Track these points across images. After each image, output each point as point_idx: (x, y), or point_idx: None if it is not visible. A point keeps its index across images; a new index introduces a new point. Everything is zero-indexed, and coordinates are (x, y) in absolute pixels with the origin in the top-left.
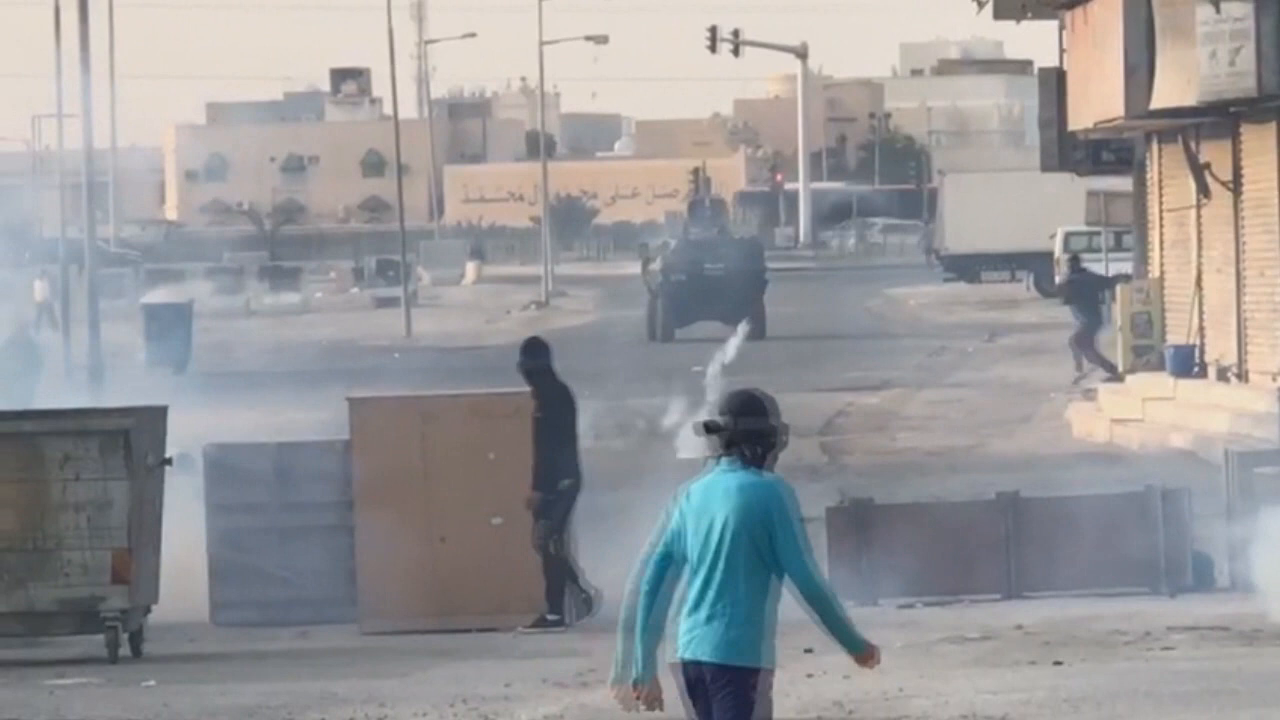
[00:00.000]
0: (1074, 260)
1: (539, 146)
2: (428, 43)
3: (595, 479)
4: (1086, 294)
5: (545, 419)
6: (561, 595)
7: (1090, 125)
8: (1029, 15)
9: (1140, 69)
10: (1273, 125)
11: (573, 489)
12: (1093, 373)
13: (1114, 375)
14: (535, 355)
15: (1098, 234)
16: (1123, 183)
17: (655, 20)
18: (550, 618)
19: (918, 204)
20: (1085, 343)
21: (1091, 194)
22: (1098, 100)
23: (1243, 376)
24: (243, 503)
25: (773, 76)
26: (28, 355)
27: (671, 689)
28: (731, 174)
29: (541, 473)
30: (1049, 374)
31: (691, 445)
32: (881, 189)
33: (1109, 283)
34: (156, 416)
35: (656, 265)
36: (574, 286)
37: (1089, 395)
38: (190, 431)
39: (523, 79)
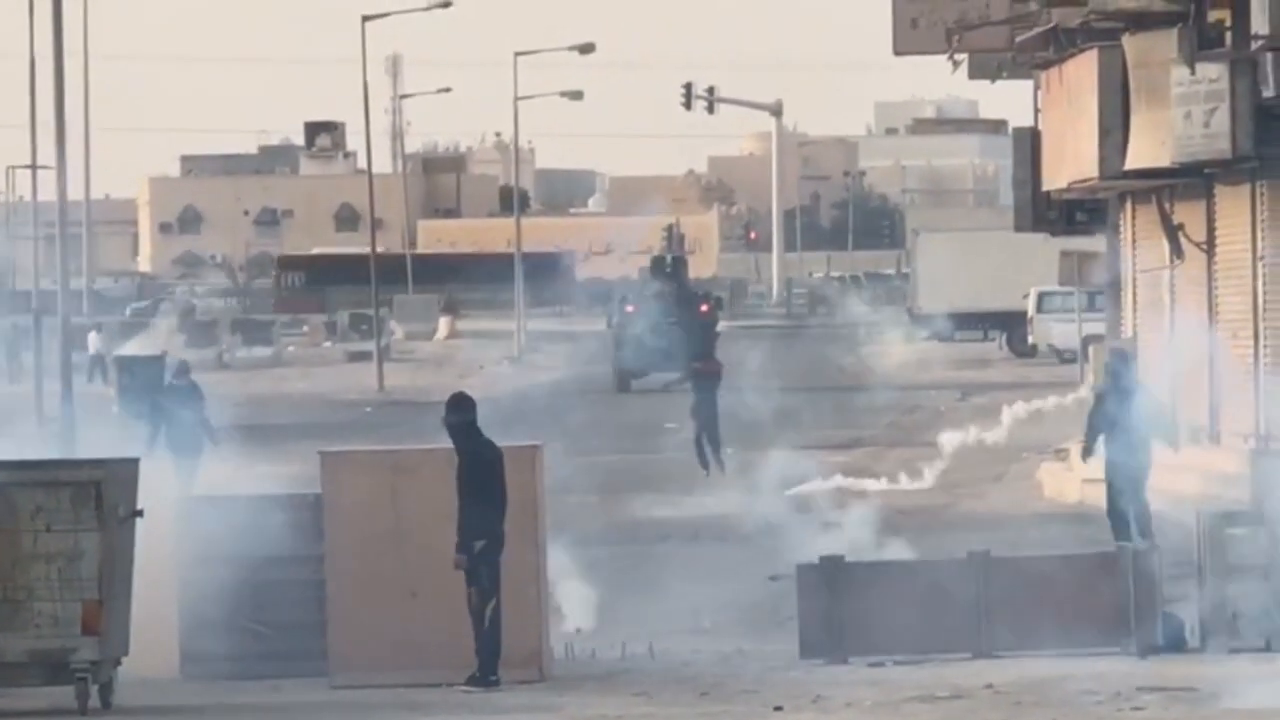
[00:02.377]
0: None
1: (513, 202)
2: (403, 97)
3: (561, 535)
4: (708, 384)
5: (467, 477)
6: (497, 656)
7: (1064, 185)
8: (1004, 75)
9: (1115, 129)
10: (1246, 187)
11: (488, 550)
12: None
13: (706, 469)
14: (460, 411)
15: (1071, 294)
16: (1096, 243)
17: (630, 77)
18: (491, 678)
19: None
20: (702, 426)
21: (1065, 254)
22: (1072, 160)
23: (1215, 438)
24: (214, 555)
25: (747, 134)
26: (191, 396)
27: None
28: (705, 231)
29: (464, 532)
30: (1021, 434)
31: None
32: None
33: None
34: (128, 468)
35: (616, 319)
36: (546, 342)
37: (1060, 455)
38: (162, 483)
39: (497, 134)
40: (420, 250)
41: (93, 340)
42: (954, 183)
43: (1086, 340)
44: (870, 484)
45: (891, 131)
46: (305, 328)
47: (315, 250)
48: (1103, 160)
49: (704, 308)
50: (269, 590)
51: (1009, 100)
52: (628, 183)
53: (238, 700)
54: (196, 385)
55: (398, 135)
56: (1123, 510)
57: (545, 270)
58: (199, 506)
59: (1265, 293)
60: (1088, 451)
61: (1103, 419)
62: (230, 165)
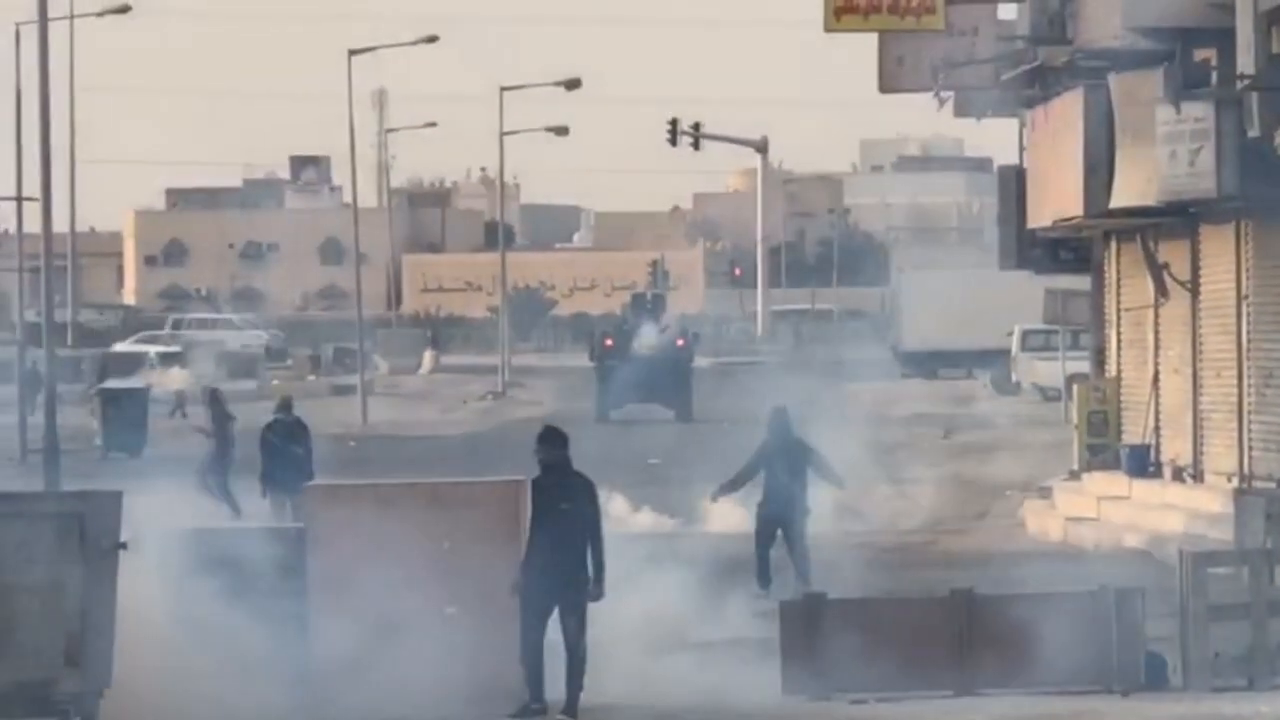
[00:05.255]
0: (213, 392)
1: (498, 237)
2: (388, 131)
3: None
4: (221, 425)
5: (578, 512)
6: (529, 681)
7: (1049, 223)
8: (989, 113)
9: (1100, 168)
10: (1231, 226)
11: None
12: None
13: (237, 514)
14: (551, 445)
15: (1055, 333)
16: (1080, 281)
17: (616, 112)
18: (534, 706)
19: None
20: (214, 473)
21: (1049, 292)
22: (1057, 198)
23: (1198, 477)
24: (197, 588)
25: (733, 170)
26: (296, 431)
27: None
28: (690, 267)
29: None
30: (1004, 471)
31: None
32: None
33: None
34: (111, 501)
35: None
36: (530, 377)
37: (1044, 493)
38: (145, 516)
39: (483, 169)
40: None
41: (175, 377)
42: (939, 220)
43: (1070, 379)
44: (850, 523)
45: (877, 169)
46: (290, 361)
47: None
48: (1087, 198)
49: (680, 343)
50: (252, 624)
51: (994, 138)
52: (613, 218)
53: None
54: (300, 420)
55: (383, 169)
56: (764, 556)
57: None
58: (183, 540)
59: (1249, 332)
60: (725, 489)
61: (756, 469)
62: (215, 199)
